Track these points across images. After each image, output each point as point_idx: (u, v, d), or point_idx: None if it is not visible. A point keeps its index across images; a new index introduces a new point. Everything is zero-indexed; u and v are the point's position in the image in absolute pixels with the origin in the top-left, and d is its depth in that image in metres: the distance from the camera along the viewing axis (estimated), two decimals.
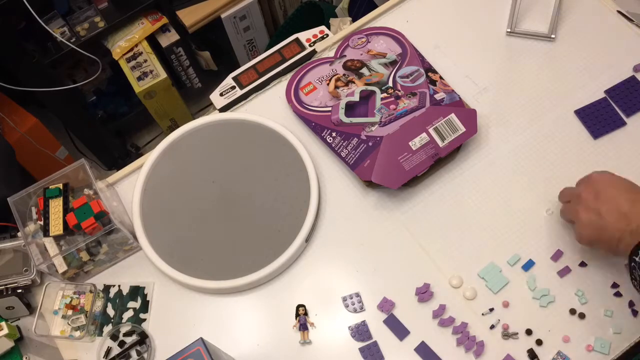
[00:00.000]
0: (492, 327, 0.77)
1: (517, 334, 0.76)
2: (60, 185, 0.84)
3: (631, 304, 0.77)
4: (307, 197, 0.86)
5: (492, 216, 0.84)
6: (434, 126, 0.86)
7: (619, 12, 0.98)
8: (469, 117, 0.87)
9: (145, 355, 0.80)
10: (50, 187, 0.84)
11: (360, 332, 0.79)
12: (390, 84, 0.92)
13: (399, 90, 0.91)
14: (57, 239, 0.82)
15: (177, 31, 1.63)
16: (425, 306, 0.80)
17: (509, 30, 0.99)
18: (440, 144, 0.85)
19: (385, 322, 0.79)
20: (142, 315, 0.83)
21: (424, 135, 0.85)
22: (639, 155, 0.86)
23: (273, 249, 0.83)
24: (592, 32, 0.97)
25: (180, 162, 0.92)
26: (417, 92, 0.90)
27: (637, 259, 0.64)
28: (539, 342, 0.76)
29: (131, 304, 0.84)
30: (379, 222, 0.86)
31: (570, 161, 0.87)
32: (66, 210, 0.82)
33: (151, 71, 1.58)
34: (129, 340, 0.81)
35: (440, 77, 0.93)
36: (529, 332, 0.77)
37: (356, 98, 0.91)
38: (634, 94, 0.90)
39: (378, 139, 0.86)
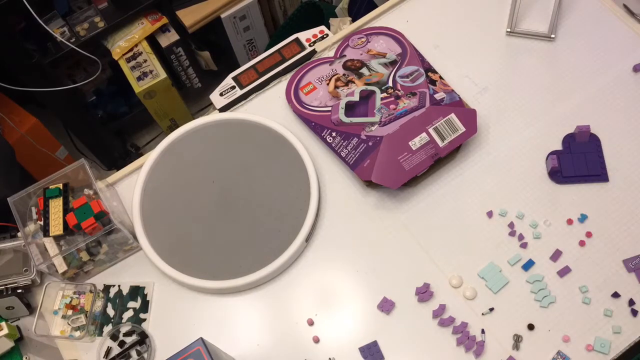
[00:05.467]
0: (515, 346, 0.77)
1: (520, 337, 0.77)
2: (60, 185, 0.84)
3: (631, 303, 0.77)
4: (307, 197, 0.86)
5: (492, 216, 0.84)
6: (433, 126, 0.86)
7: (625, 6, 0.97)
8: (469, 117, 0.87)
9: (145, 355, 0.80)
10: (50, 187, 0.84)
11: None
12: (390, 83, 0.92)
13: (399, 90, 0.91)
14: (57, 239, 0.82)
15: (177, 31, 1.62)
16: (425, 306, 0.80)
17: (509, 30, 0.99)
18: (440, 143, 0.85)
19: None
20: (142, 315, 0.83)
21: (424, 135, 0.85)
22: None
23: (273, 249, 0.83)
24: (592, 32, 0.97)
25: (180, 162, 0.92)
26: (417, 92, 0.90)
27: None
28: (538, 342, 0.76)
29: (131, 304, 0.84)
30: (379, 222, 0.86)
31: None
32: (66, 210, 0.82)
33: (151, 71, 1.58)
34: (129, 340, 0.81)
35: (440, 77, 0.93)
36: (530, 330, 0.77)
37: (356, 98, 0.91)
38: None
39: (378, 138, 0.86)
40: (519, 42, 0.98)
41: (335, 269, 0.84)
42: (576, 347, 0.75)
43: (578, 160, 0.85)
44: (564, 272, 0.80)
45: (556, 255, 0.81)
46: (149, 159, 0.91)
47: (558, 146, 0.88)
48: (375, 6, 1.22)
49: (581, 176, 0.85)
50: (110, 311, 0.84)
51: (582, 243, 0.81)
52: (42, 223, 0.82)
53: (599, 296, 0.78)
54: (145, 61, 1.59)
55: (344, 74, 0.94)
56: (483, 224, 0.84)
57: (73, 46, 1.47)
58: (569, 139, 0.88)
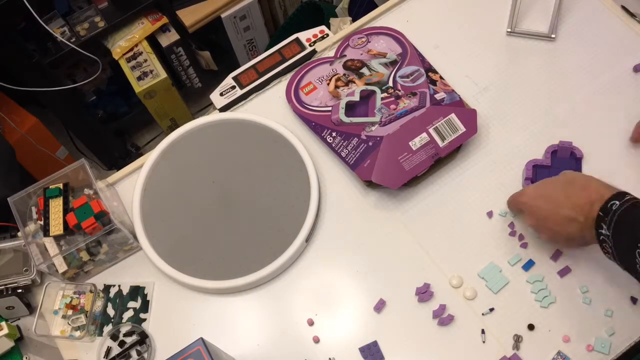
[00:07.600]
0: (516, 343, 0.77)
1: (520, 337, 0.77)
2: (60, 185, 0.84)
3: (631, 303, 0.77)
4: (307, 197, 0.86)
5: (493, 216, 0.84)
6: (434, 126, 0.86)
7: (622, 7, 0.98)
8: (469, 117, 0.87)
9: (145, 355, 0.80)
10: (50, 187, 0.84)
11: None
12: (391, 83, 0.92)
13: (399, 90, 0.91)
14: (57, 239, 0.82)
15: (177, 31, 1.63)
16: (425, 306, 0.80)
17: (509, 30, 0.99)
18: (441, 144, 0.85)
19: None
20: (142, 315, 0.83)
21: (424, 135, 0.85)
22: None
23: (273, 249, 0.83)
24: (592, 32, 0.97)
25: (180, 162, 0.92)
26: (417, 92, 0.90)
27: (602, 231, 0.66)
28: (538, 342, 0.76)
29: (131, 304, 0.84)
30: (379, 222, 0.86)
31: None
32: (66, 210, 0.82)
33: (151, 71, 1.58)
34: (129, 340, 0.81)
35: (441, 77, 0.93)
36: (530, 330, 0.77)
37: (356, 98, 0.91)
38: None
39: (378, 138, 0.86)
40: (519, 42, 0.98)
41: (335, 269, 0.84)
42: (576, 347, 0.75)
43: (554, 174, 0.80)
44: (564, 272, 0.80)
45: (556, 256, 0.81)
46: (149, 159, 0.91)
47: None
48: (375, 6, 1.22)
49: None
50: (111, 311, 0.84)
51: None
52: (42, 223, 0.82)
53: (599, 296, 0.78)
54: (145, 61, 1.59)
55: (344, 74, 0.94)
56: (483, 224, 0.84)
57: (73, 46, 1.47)
58: (553, 151, 0.87)
